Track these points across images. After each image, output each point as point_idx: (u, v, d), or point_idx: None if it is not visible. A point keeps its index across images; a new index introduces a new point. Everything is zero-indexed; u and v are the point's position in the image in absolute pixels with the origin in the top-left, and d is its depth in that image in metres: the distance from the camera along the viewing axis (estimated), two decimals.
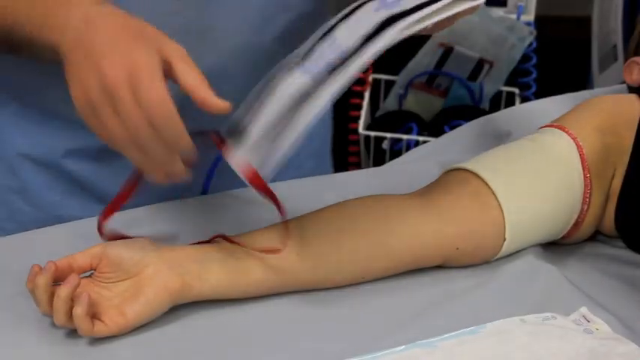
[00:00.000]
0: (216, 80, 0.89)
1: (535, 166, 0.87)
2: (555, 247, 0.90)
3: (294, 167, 1.08)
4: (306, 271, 0.79)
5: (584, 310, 0.79)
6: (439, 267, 0.86)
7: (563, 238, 0.89)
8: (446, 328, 0.76)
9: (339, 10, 0.77)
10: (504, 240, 0.84)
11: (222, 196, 0.97)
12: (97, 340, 0.74)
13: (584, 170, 0.86)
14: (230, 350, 0.75)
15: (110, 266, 0.75)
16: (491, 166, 0.86)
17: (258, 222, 0.83)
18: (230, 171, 1.02)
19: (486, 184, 0.84)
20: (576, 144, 0.87)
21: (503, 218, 0.84)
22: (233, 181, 1.02)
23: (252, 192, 0.97)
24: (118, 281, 0.76)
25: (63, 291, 0.72)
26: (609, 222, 0.90)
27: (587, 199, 0.87)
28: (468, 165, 0.87)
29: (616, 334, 0.76)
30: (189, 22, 0.87)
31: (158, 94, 0.68)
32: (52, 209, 1.00)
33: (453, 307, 0.81)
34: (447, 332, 0.75)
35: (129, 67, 0.69)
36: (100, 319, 0.74)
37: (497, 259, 0.86)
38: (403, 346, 0.73)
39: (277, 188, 0.98)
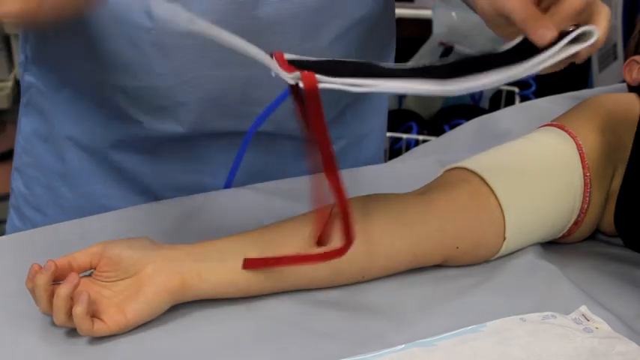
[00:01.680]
0: (268, 85, 0.90)
1: (535, 166, 0.87)
2: (555, 245, 0.90)
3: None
4: (307, 270, 0.79)
5: (583, 308, 0.79)
6: (439, 266, 0.86)
7: (563, 237, 0.89)
8: (446, 327, 0.76)
9: None
10: (504, 239, 0.84)
11: (221, 194, 0.97)
12: (96, 339, 0.74)
13: (584, 169, 0.86)
14: (229, 349, 0.75)
15: (110, 265, 0.75)
16: (491, 165, 0.86)
17: (257, 222, 0.83)
18: (275, 174, 1.04)
19: (486, 183, 0.84)
20: (576, 143, 0.87)
21: (503, 217, 0.84)
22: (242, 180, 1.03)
23: (250, 191, 0.97)
24: (118, 280, 0.76)
25: (63, 290, 0.72)
26: (609, 221, 0.90)
27: (587, 198, 0.87)
28: (468, 164, 0.87)
29: (616, 333, 0.76)
30: (244, 24, 0.88)
31: None
32: (93, 197, 1.01)
33: (452, 306, 0.81)
34: (447, 331, 0.75)
35: None
36: (99, 318, 0.74)
37: (497, 258, 0.86)
38: (403, 345, 0.73)
39: (279, 185, 0.99)
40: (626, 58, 0.95)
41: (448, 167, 0.89)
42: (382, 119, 1.14)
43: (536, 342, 0.74)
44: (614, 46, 2.13)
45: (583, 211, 0.87)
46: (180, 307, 0.78)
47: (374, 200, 0.84)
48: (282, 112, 0.94)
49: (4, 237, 0.90)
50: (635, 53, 0.95)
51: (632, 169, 0.88)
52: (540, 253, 0.87)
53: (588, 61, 2.27)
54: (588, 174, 0.87)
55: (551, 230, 0.87)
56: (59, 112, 0.99)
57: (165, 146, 0.98)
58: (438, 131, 1.93)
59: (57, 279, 0.74)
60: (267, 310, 0.79)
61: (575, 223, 0.88)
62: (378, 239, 0.81)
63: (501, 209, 0.84)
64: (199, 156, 1.00)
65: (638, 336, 0.76)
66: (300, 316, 0.79)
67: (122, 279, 0.76)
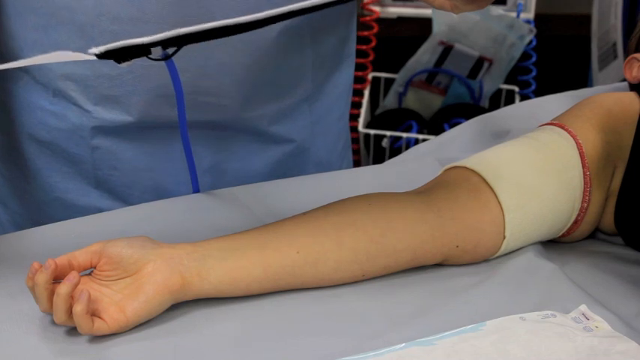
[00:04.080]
0: (218, 73, 0.90)
1: (535, 165, 0.87)
2: (555, 244, 0.91)
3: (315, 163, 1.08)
4: (307, 269, 0.80)
5: (583, 307, 0.79)
6: (439, 265, 0.86)
7: (562, 236, 0.89)
8: (446, 325, 0.76)
9: None
10: (504, 238, 0.84)
11: (220, 193, 0.97)
12: (96, 338, 0.74)
13: (584, 168, 0.86)
14: (229, 348, 0.75)
15: (110, 264, 0.75)
16: (491, 164, 0.86)
17: (256, 220, 0.83)
18: (228, 170, 1.03)
19: (486, 182, 0.84)
20: (576, 142, 0.87)
21: (503, 217, 0.84)
22: (232, 180, 1.03)
23: (249, 191, 0.97)
24: (118, 279, 0.76)
25: (63, 289, 0.72)
26: (609, 220, 0.90)
27: (587, 197, 0.87)
28: (468, 163, 0.87)
29: (615, 332, 0.76)
30: (190, 12, 0.88)
31: None
32: (50, 190, 1.01)
33: (452, 305, 0.81)
34: (447, 330, 0.75)
35: None
36: (100, 317, 0.74)
37: (497, 257, 0.86)
38: (403, 344, 0.73)
39: (276, 186, 0.99)
40: (626, 57, 0.95)
41: (448, 166, 0.89)
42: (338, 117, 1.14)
43: (536, 341, 0.74)
44: (614, 45, 2.13)
45: (583, 211, 0.87)
46: (179, 306, 0.78)
47: (374, 199, 0.84)
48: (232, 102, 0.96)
49: (2, 235, 0.90)
50: (636, 51, 0.95)
51: (632, 168, 0.88)
52: (540, 252, 0.87)
53: (588, 59, 2.27)
54: (588, 173, 0.87)
55: (550, 229, 0.87)
56: (14, 104, 0.99)
57: (121, 136, 0.98)
58: (437, 130, 1.93)
59: (57, 278, 0.74)
60: (266, 309, 0.79)
61: (575, 222, 0.87)
62: (379, 238, 0.81)
63: (501, 208, 0.84)
64: (154, 147, 1.00)
65: (637, 335, 0.76)
66: (300, 315, 0.79)
67: (122, 278, 0.76)
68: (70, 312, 0.73)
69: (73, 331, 0.75)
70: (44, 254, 0.76)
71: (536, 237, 0.87)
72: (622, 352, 0.73)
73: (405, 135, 1.96)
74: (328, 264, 0.80)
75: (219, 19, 0.81)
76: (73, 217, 0.93)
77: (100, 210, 1.01)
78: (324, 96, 1.07)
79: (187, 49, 0.77)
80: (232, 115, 0.98)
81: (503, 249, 0.85)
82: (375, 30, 2.03)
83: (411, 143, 1.96)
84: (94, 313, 0.74)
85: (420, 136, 1.96)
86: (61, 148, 0.99)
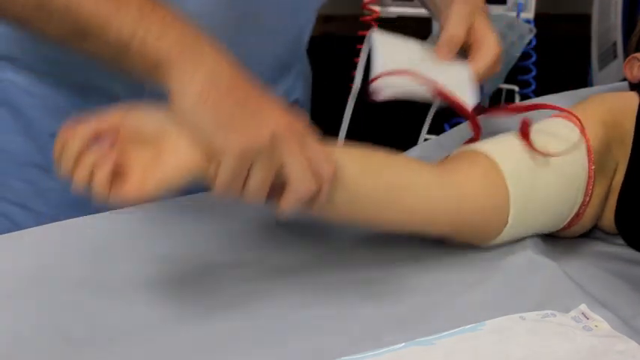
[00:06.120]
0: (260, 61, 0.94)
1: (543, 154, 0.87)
2: (555, 243, 0.90)
3: None
4: (354, 190, 0.79)
5: (583, 307, 0.79)
6: (439, 265, 0.86)
7: (563, 229, 0.89)
8: (445, 325, 0.76)
9: None
10: (506, 224, 0.85)
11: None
12: (94, 338, 0.74)
13: (589, 162, 0.87)
14: (229, 347, 0.75)
15: (130, 135, 0.73)
16: (502, 150, 0.87)
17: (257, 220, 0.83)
18: None
19: (496, 167, 0.85)
20: (584, 136, 0.87)
21: (509, 203, 0.84)
22: None
23: None
24: (138, 150, 0.73)
25: (88, 154, 0.70)
26: (609, 218, 0.90)
27: (590, 191, 0.87)
28: (481, 147, 0.87)
29: (615, 332, 0.76)
30: (240, 12, 0.92)
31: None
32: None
33: (452, 304, 0.81)
34: (447, 330, 0.75)
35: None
36: (119, 186, 0.71)
37: (496, 248, 0.87)
38: (403, 344, 0.73)
39: None
40: (626, 56, 0.95)
41: (460, 149, 0.89)
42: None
43: (536, 340, 0.74)
44: (614, 44, 2.13)
45: (585, 204, 0.87)
46: (179, 306, 0.78)
47: (399, 156, 0.85)
48: None
49: (3, 235, 0.90)
50: (636, 51, 0.95)
51: (634, 166, 0.88)
52: (540, 251, 0.87)
53: (588, 59, 2.27)
54: (593, 167, 0.87)
55: (552, 221, 0.88)
56: (38, 109, 0.99)
57: None
58: (438, 130, 1.92)
59: (83, 148, 0.71)
60: (266, 308, 0.79)
61: (577, 215, 0.88)
62: (398, 190, 0.82)
63: (508, 194, 0.84)
64: None
65: (637, 334, 0.76)
66: (300, 314, 0.79)
67: (143, 149, 0.73)
68: (92, 180, 0.71)
69: (72, 330, 0.74)
70: (40, 255, 0.76)
71: (538, 226, 0.87)
72: (622, 351, 0.73)
73: None
74: (368, 196, 0.80)
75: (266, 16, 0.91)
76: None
77: None
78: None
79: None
80: None
81: (502, 235, 0.85)
82: None
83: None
84: (113, 182, 0.71)
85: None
86: None
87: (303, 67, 1.16)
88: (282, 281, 0.83)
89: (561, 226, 0.89)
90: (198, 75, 0.73)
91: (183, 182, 0.73)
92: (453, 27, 0.94)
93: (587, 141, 0.87)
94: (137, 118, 0.74)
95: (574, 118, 0.89)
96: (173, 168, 0.72)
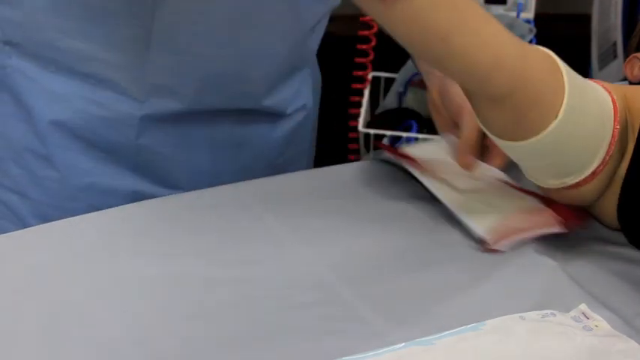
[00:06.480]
0: (263, 64, 0.98)
1: (589, 89, 0.87)
2: (556, 243, 0.90)
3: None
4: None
5: (583, 307, 0.79)
6: (439, 265, 0.86)
7: (573, 186, 0.87)
8: (445, 325, 0.76)
9: None
10: (557, 116, 0.82)
11: (223, 190, 0.97)
12: (95, 339, 0.74)
13: (614, 122, 0.86)
14: (229, 347, 0.75)
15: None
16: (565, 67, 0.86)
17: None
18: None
19: (561, 71, 0.83)
20: (611, 97, 0.87)
21: (564, 96, 0.82)
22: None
23: (250, 187, 0.98)
24: None
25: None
26: (612, 210, 0.89)
27: (611, 151, 0.86)
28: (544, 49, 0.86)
29: (615, 332, 0.76)
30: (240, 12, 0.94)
31: None
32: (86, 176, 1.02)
33: (452, 304, 0.81)
34: (447, 330, 0.75)
35: None
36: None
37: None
38: (403, 344, 0.73)
39: (277, 182, 0.99)
40: (626, 56, 0.95)
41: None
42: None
43: (536, 340, 0.74)
44: (614, 44, 2.13)
45: (604, 163, 0.86)
46: (179, 305, 0.78)
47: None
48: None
49: (3, 235, 0.90)
50: (637, 50, 0.95)
51: (635, 165, 0.87)
52: (541, 250, 0.87)
53: (588, 59, 2.27)
54: (618, 127, 0.86)
55: (578, 157, 0.86)
56: (39, 96, 1.00)
57: (168, 123, 1.00)
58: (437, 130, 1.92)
59: None
60: (266, 307, 0.79)
61: (593, 172, 0.86)
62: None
63: (564, 90, 0.82)
64: (197, 131, 1.03)
65: (637, 334, 0.76)
66: (300, 314, 0.79)
67: None
68: None
69: (71, 330, 0.74)
70: (42, 255, 0.76)
71: (570, 152, 0.86)
72: (622, 351, 0.73)
73: (404, 135, 1.95)
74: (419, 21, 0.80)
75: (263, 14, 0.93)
76: (111, 201, 0.94)
77: (138, 193, 1.02)
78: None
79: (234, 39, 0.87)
80: (254, 101, 1.05)
81: (550, 129, 0.83)
82: (375, 30, 2.03)
83: (411, 143, 1.95)
84: None
85: (420, 136, 1.96)
86: (101, 136, 1.00)
87: (310, 73, 1.15)
88: (282, 281, 0.83)
89: (578, 178, 0.87)
90: None
91: None
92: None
93: (613, 100, 0.87)
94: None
95: (602, 83, 0.88)
96: None
